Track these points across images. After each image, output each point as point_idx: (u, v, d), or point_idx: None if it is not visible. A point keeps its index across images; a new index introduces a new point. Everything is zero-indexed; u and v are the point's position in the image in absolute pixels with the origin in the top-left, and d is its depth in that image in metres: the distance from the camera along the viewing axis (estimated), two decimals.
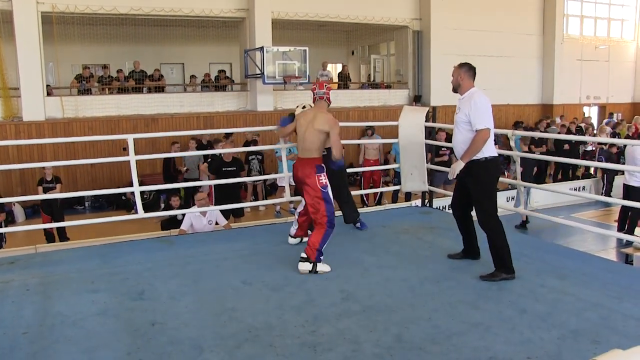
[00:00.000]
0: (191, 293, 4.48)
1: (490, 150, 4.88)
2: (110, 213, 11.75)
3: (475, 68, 5.31)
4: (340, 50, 21.91)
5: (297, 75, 15.19)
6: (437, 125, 7.82)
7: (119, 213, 11.32)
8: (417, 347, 3.53)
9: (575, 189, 14.56)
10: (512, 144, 6.55)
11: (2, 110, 13.18)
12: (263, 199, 12.49)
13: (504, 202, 12.09)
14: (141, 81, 15.56)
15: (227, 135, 12.41)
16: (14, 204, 11.55)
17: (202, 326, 3.84)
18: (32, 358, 3.41)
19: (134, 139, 5.74)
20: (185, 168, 11.93)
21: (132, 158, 5.72)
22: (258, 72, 14.89)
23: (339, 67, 20.84)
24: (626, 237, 7.70)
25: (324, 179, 5.08)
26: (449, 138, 12.54)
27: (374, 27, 18.28)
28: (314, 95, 5.52)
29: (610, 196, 12.80)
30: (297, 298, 4.36)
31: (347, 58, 22.23)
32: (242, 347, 3.53)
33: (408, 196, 11.01)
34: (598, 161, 13.13)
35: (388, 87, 18.93)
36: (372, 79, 20.55)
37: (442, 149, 11.79)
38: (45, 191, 9.82)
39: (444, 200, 10.56)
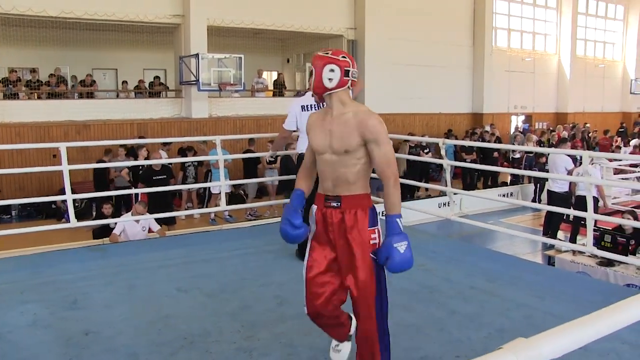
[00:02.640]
0: (126, 301, 4.45)
1: (300, 147, 5.46)
2: (39, 222, 11.44)
3: None
4: (275, 58, 22.01)
5: (232, 82, 15.21)
6: None
7: (48, 222, 11.01)
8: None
9: (503, 195, 15.09)
10: (442, 152, 6.78)
11: None
12: (200, 206, 12.44)
13: (436, 209, 12.41)
14: (65, 85, 15.19)
15: (165, 143, 12.32)
16: None
17: (137, 334, 3.84)
18: None
19: (66, 147, 5.63)
20: (116, 174, 11.74)
21: (64, 167, 5.60)
22: (193, 78, 14.82)
23: (275, 75, 20.94)
24: (548, 240, 8.10)
25: (377, 238, 2.93)
26: None
27: (309, 35, 18.46)
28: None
29: (540, 201, 13.38)
30: (233, 304, 4.39)
31: (283, 66, 22.34)
32: (178, 353, 3.54)
33: None
34: (526, 169, 13.69)
35: None
36: (307, 86, 20.68)
37: None
38: None
39: (379, 207, 10.75)
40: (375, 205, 2.99)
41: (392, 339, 3.69)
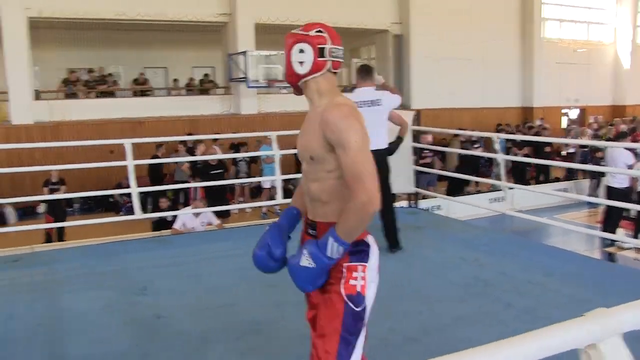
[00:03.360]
0: (192, 289, 4.71)
1: None
2: (99, 215, 11.93)
3: (369, 69, 5.79)
4: None
5: (280, 78, 15.44)
6: (421, 128, 8.08)
7: (108, 214, 11.50)
8: (410, 338, 3.73)
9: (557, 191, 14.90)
10: (496, 147, 6.81)
11: None
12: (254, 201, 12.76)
13: (487, 205, 12.38)
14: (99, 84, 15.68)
15: (216, 139, 12.68)
16: (5, 206, 11.68)
17: (204, 319, 4.07)
18: (48, 346, 3.63)
19: (130, 143, 5.96)
20: (180, 166, 12.10)
21: (129, 163, 5.94)
22: (242, 75, 15.11)
23: None
24: (609, 236, 7.88)
25: (360, 280, 2.22)
26: (432, 141, 12.89)
27: (354, 31, 18.54)
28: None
29: (596, 197, 13.14)
30: (295, 294, 4.58)
31: None
32: (244, 338, 3.75)
33: (393, 198, 11.27)
34: (581, 163, 13.39)
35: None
36: (353, 82, 20.79)
37: (425, 151, 12.09)
38: (50, 192, 10.08)
39: (429, 202, 10.84)
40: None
41: (448, 330, 3.82)
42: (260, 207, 12.40)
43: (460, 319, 4.04)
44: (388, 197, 5.61)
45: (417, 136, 8.06)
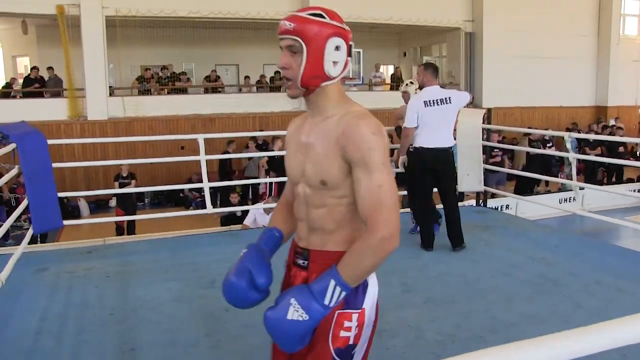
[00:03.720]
0: None
1: (419, 141, 5.44)
2: (169, 209, 12.22)
3: (437, 68, 5.82)
4: (392, 52, 22.06)
5: (351, 76, 15.42)
6: (491, 127, 7.93)
7: (177, 209, 11.76)
8: (476, 335, 3.69)
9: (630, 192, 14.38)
10: (568, 145, 6.62)
11: (69, 110, 13.92)
12: None
13: (557, 204, 12.06)
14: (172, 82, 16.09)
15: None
16: (79, 199, 12.11)
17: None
18: (120, 335, 3.72)
19: (203, 138, 6.08)
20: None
21: (202, 157, 6.07)
22: None
23: (391, 69, 21.00)
24: None
25: (354, 329, 1.78)
26: (501, 139, 12.63)
27: (426, 29, 18.39)
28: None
29: None
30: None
31: (400, 60, 22.35)
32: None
33: (461, 196, 11.11)
34: None
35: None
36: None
37: (495, 150, 11.87)
38: (121, 187, 10.40)
39: (498, 201, 10.64)
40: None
41: (516, 329, 3.75)
42: None
43: (529, 318, 3.99)
44: (453, 195, 5.67)
45: (487, 135, 7.91)
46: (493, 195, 8.87)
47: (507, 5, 18.13)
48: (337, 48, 1.74)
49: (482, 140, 7.35)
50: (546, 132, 11.71)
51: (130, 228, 10.41)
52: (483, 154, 7.57)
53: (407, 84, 6.44)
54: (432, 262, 5.26)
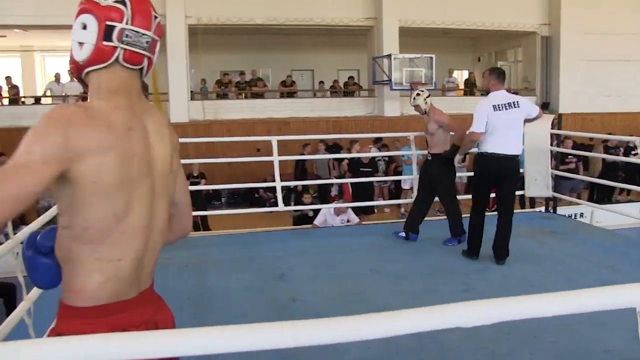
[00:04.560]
0: (325, 277, 5.02)
1: (486, 147, 5.31)
2: (245, 208, 12.68)
3: (504, 73, 5.62)
4: (466, 57, 21.94)
5: (423, 81, 15.52)
6: (563, 132, 7.90)
7: (252, 208, 12.19)
8: (531, 334, 3.76)
9: None
10: None
11: None
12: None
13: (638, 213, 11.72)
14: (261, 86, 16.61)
15: (377, 139, 13.14)
16: None
17: (336, 305, 4.34)
18: (195, 317, 4.06)
19: (276, 140, 6.43)
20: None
21: (275, 158, 6.42)
22: (385, 78, 15.38)
23: (465, 74, 20.89)
24: None
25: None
26: (575, 146, 12.41)
27: (500, 33, 18.22)
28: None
29: None
30: (419, 286, 4.77)
31: (474, 65, 22.19)
32: None
33: (532, 202, 11.04)
34: None
35: (515, 93, 18.64)
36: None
37: (569, 156, 11.71)
38: (191, 185, 10.91)
39: (570, 209, 10.48)
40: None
41: (574, 330, 3.80)
42: (399, 207, 12.62)
43: (585, 320, 3.99)
44: (510, 206, 5.52)
45: (558, 141, 7.89)
46: (570, 203, 8.77)
47: (586, 8, 17.62)
48: (84, 27, 1.48)
49: (553, 146, 7.35)
50: (615, 137, 11.36)
51: (205, 224, 10.88)
52: (554, 160, 7.56)
53: (414, 97, 6.20)
54: (495, 265, 5.32)
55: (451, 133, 6.12)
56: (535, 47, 18.26)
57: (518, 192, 9.18)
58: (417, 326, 1.20)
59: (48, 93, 16.16)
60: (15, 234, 3.46)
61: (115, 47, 1.46)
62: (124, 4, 1.47)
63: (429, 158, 6.17)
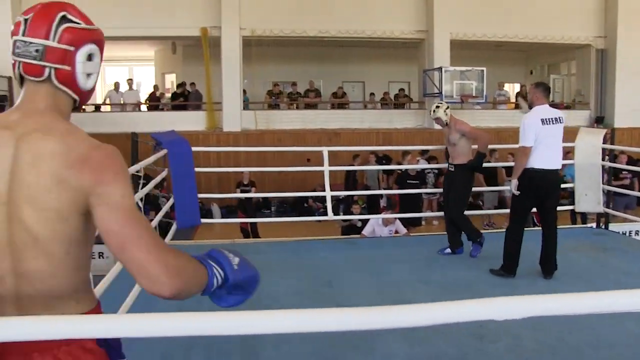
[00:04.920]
0: (373, 285, 5.12)
1: (532, 162, 5.21)
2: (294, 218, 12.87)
3: (549, 87, 5.62)
4: (518, 70, 21.71)
5: (474, 94, 15.50)
6: (617, 147, 7.79)
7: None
8: (575, 349, 3.79)
9: None
10: None
11: (207, 122, 15.14)
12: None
13: None
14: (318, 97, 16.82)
15: (424, 151, 13.20)
16: (212, 204, 13.08)
17: None
18: None
19: (327, 150, 6.60)
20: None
21: (325, 168, 6.58)
22: (436, 91, 15.40)
23: (517, 87, 20.70)
24: None
25: None
26: (631, 161, 12.16)
27: (554, 46, 17.99)
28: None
29: None
30: (466, 297, 4.80)
31: (526, 78, 21.92)
32: (416, 329, 4.07)
33: (584, 218, 10.89)
34: None
35: (567, 107, 18.46)
36: (551, 99, 20.14)
37: (623, 172, 11.50)
38: (242, 193, 11.19)
39: (625, 226, 10.27)
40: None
41: (619, 348, 3.77)
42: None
43: (636, 338, 4.00)
44: (554, 220, 5.44)
45: (612, 156, 7.80)
46: (623, 220, 8.62)
47: None
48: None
49: (606, 161, 7.28)
50: None
51: (255, 232, 11.11)
52: (607, 175, 7.48)
53: (434, 110, 6.26)
54: (543, 280, 5.30)
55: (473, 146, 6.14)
56: (589, 60, 17.94)
57: (568, 207, 9.16)
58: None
59: (107, 101, 16.74)
60: None
61: (15, 61, 1.47)
62: (26, 17, 1.46)
63: (452, 169, 6.19)
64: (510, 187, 5.52)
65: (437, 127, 15.87)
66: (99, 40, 1.56)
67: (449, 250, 6.16)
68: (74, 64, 1.48)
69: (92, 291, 1.61)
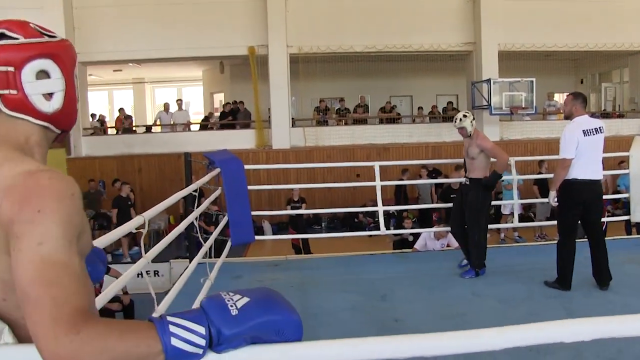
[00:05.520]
0: (426, 299, 5.15)
1: (574, 173, 5.18)
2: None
3: (586, 98, 5.53)
4: (568, 79, 21.35)
5: (523, 105, 15.34)
6: None
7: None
8: None
9: None
10: None
11: (257, 140, 15.36)
12: None
13: None
14: (366, 112, 16.92)
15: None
16: (264, 221, 13.25)
17: (438, 325, 4.46)
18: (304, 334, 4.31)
19: (378, 165, 6.67)
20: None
21: (377, 183, 6.66)
22: (484, 103, 15.30)
23: None
24: None
25: None
26: None
27: (605, 54, 17.66)
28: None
29: None
30: (522, 311, 4.81)
31: (576, 87, 21.54)
32: None
33: (638, 228, 10.66)
34: None
35: (620, 116, 18.11)
36: (603, 108, 19.81)
37: None
38: (292, 210, 11.31)
39: None
40: None
41: None
42: (498, 232, 12.49)
43: None
44: (600, 230, 5.41)
45: None
46: None
47: None
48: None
49: None
50: None
51: (306, 248, 11.21)
52: None
53: (460, 119, 6.12)
54: (598, 291, 5.25)
55: (492, 159, 6.08)
56: None
57: (624, 218, 8.99)
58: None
59: (158, 122, 17.18)
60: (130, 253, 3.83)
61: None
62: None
63: (467, 183, 6.08)
64: (549, 200, 5.52)
65: None
66: (54, 53, 1.27)
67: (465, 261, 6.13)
68: (20, 86, 1.23)
69: None
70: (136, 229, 3.06)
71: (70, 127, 1.36)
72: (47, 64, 1.25)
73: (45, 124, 1.27)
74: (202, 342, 1.04)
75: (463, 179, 6.21)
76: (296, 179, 14.24)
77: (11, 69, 1.21)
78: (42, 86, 1.25)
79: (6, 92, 1.21)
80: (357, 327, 4.48)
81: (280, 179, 14.11)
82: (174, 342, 1.01)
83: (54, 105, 1.27)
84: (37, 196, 1.06)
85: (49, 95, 1.26)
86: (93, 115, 17.87)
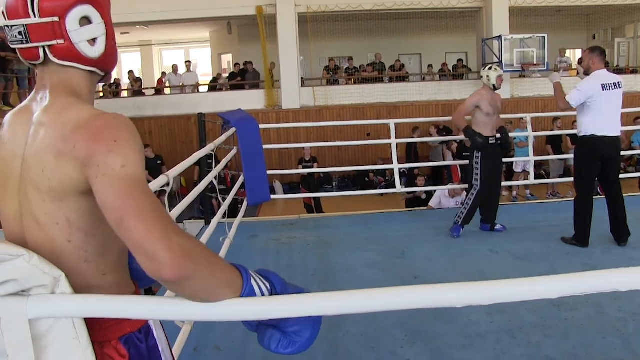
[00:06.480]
0: (445, 256, 5.15)
1: (592, 129, 5.09)
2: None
3: (605, 52, 5.26)
4: (580, 36, 21.04)
5: (535, 62, 15.16)
6: None
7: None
8: None
9: None
10: None
11: (267, 100, 15.28)
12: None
13: None
14: (382, 72, 16.73)
15: None
16: (275, 180, 13.27)
17: (456, 281, 4.47)
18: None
19: (394, 123, 6.62)
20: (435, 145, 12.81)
21: (393, 141, 6.64)
22: (495, 60, 15.12)
23: (579, 53, 20.11)
24: None
25: None
26: None
27: (618, 7, 17.33)
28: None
29: None
30: (541, 267, 4.80)
31: (588, 43, 21.23)
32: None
33: None
34: None
35: (634, 72, 17.88)
36: (616, 63, 19.55)
37: None
38: (304, 169, 11.34)
39: None
40: None
41: None
42: (510, 190, 12.46)
43: None
44: (619, 187, 5.31)
45: None
46: None
47: None
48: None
49: None
50: None
51: (318, 208, 11.24)
52: None
53: (488, 74, 5.90)
54: (617, 248, 5.23)
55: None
56: None
57: (638, 175, 8.93)
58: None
59: (167, 84, 17.08)
60: None
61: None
62: None
63: (495, 142, 5.91)
64: (551, 78, 5.50)
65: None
66: None
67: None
68: (66, 35, 1.27)
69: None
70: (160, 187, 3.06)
71: (113, 68, 1.43)
72: (87, 10, 1.30)
73: (93, 68, 1.34)
74: (266, 290, 1.29)
75: (497, 135, 5.94)
76: (306, 139, 14.22)
77: (56, 19, 1.26)
78: (86, 33, 1.30)
79: (54, 42, 1.27)
80: (377, 284, 4.48)
81: (290, 139, 14.09)
82: (248, 279, 1.25)
83: (99, 49, 1.34)
84: (110, 130, 1.20)
85: (92, 41, 1.32)
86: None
